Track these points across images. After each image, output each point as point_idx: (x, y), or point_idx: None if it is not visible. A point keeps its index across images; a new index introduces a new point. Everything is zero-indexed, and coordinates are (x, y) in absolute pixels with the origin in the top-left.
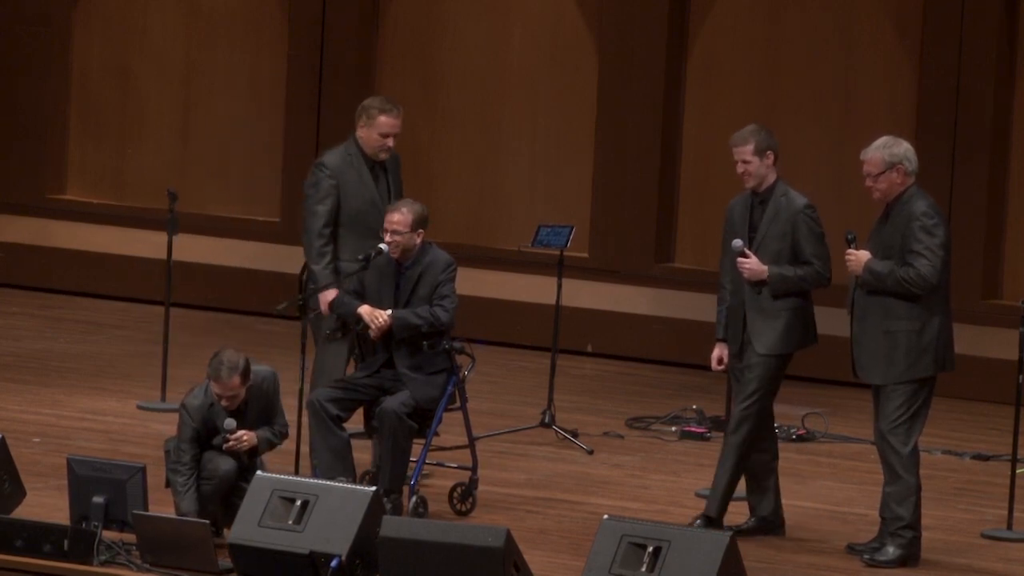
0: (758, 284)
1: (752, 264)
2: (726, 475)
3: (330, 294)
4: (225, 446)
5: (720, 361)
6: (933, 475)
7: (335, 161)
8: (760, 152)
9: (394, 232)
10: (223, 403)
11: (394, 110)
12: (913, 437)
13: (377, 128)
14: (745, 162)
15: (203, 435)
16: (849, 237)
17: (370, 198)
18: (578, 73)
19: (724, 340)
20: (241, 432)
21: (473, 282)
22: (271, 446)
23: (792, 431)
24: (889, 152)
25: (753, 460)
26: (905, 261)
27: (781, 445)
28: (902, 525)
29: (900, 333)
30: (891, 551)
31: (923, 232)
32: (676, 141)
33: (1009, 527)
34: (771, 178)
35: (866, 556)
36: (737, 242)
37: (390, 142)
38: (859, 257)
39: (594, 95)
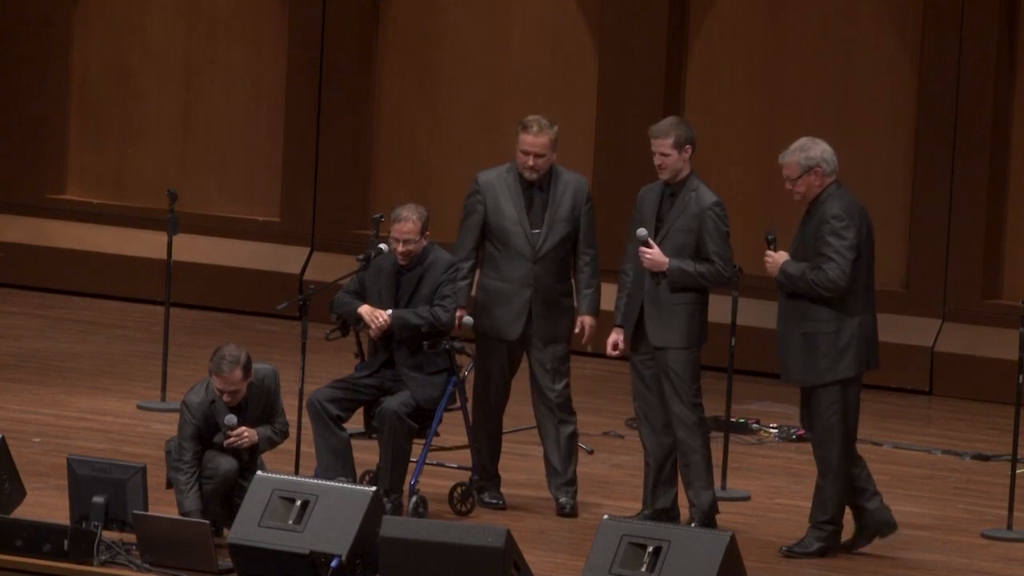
0: (658, 275)
1: (654, 255)
2: (707, 480)
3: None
4: (226, 442)
5: (615, 346)
6: (933, 475)
7: (487, 177)
8: (679, 145)
9: (406, 242)
10: (225, 398)
11: (533, 126)
12: (837, 436)
13: (519, 145)
14: (664, 154)
15: (204, 432)
16: (769, 238)
17: (516, 218)
18: (578, 73)
19: (622, 326)
20: (242, 428)
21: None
22: (272, 444)
23: (792, 431)
24: (805, 156)
25: (665, 451)
26: (815, 264)
27: (781, 445)
28: (825, 519)
29: (818, 335)
30: (813, 544)
31: (832, 235)
32: None
33: (1009, 527)
34: (685, 171)
35: (784, 548)
36: (642, 231)
37: (531, 160)
38: (775, 259)
39: (594, 95)
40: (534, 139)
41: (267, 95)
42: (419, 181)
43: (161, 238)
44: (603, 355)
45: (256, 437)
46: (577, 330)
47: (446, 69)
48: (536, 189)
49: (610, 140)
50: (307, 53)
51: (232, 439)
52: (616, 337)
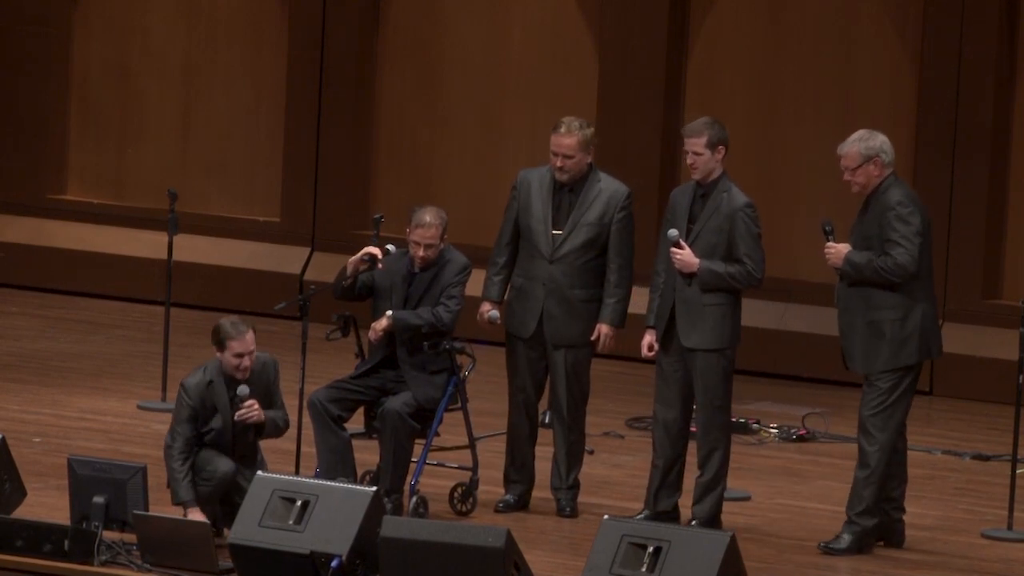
0: (688, 276)
1: (685, 255)
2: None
3: (484, 304)
4: (237, 414)
5: (650, 348)
6: (933, 475)
7: (527, 175)
8: (712, 145)
9: (427, 247)
10: (244, 362)
11: (561, 127)
12: (891, 424)
13: (550, 146)
14: (696, 153)
15: (201, 416)
16: (827, 228)
17: (541, 217)
18: (578, 73)
19: (654, 327)
20: (253, 401)
21: (473, 282)
22: (277, 430)
23: (792, 431)
24: (866, 146)
25: (675, 456)
26: (883, 251)
27: (781, 445)
28: (861, 511)
29: (884, 322)
30: (845, 538)
31: (899, 221)
32: (676, 141)
33: (1009, 527)
34: (717, 172)
35: (821, 544)
36: (673, 232)
37: (559, 161)
38: (839, 250)
39: (594, 95)
40: (560, 139)
41: (267, 95)
42: (419, 181)
43: (161, 238)
44: (603, 355)
45: (263, 417)
46: (593, 337)
47: (446, 69)
48: (567, 191)
49: (610, 140)
50: (307, 53)
51: (243, 411)
52: (650, 339)
